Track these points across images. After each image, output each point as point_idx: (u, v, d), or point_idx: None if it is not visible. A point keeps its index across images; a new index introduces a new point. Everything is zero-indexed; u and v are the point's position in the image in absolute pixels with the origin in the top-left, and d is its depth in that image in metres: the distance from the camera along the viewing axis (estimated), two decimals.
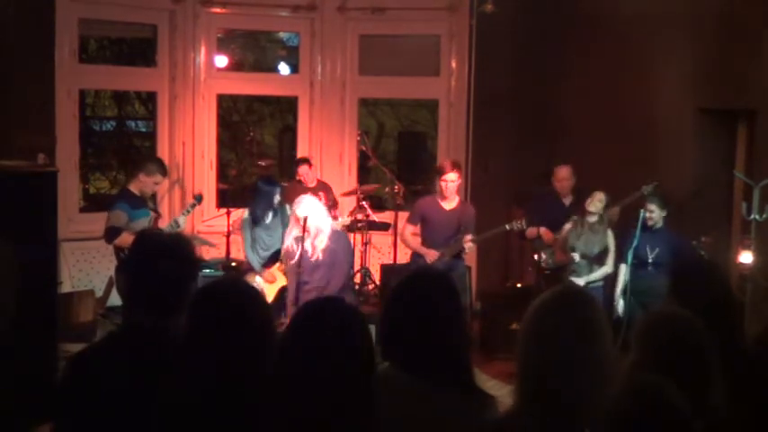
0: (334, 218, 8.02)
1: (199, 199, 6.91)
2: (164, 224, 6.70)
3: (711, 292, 2.79)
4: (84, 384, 2.33)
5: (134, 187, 6.25)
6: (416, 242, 6.75)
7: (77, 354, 2.47)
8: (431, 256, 6.48)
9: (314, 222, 5.63)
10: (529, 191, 7.83)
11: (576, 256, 6.11)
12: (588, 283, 6.08)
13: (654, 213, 5.91)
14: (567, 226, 6.33)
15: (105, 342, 2.59)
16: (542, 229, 6.86)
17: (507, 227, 6.62)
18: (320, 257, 5.72)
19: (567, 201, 7.02)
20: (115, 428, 2.26)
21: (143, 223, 6.07)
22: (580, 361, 1.96)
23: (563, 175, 6.96)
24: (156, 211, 6.55)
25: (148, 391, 2.15)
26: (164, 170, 6.36)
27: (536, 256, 6.79)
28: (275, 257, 6.43)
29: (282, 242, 6.04)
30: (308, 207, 5.65)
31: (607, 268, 6.15)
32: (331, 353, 1.94)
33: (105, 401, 2.27)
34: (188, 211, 6.79)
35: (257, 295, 2.29)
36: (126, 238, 5.85)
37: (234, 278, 3.12)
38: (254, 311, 2.20)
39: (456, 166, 6.55)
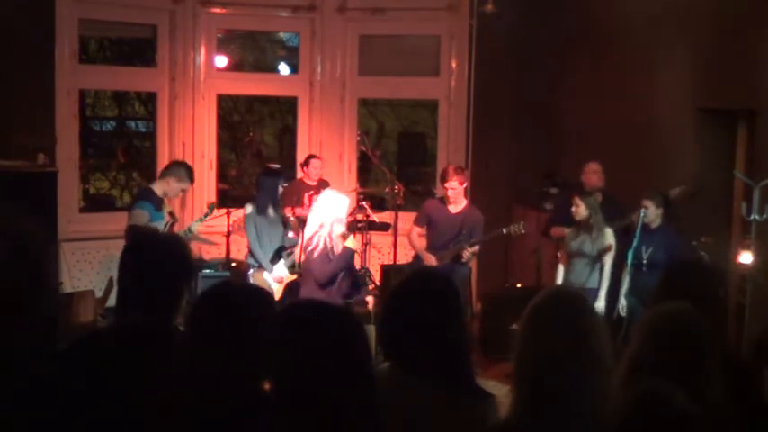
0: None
1: (212, 208, 6.81)
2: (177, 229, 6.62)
3: (697, 292, 2.78)
4: (71, 379, 2.30)
5: (158, 188, 6.14)
6: (420, 245, 6.71)
7: (67, 348, 2.39)
8: (430, 261, 6.48)
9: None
10: (542, 191, 7.80)
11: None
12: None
13: (649, 209, 5.92)
14: (567, 230, 6.35)
15: (94, 339, 2.54)
16: (564, 230, 6.76)
17: (504, 231, 6.60)
18: None
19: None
20: (100, 427, 2.23)
21: (159, 226, 5.94)
22: (576, 360, 1.96)
23: (592, 168, 6.78)
24: (172, 215, 6.43)
25: (138, 390, 2.13)
26: (192, 178, 6.33)
27: (559, 254, 6.69)
28: (279, 253, 6.41)
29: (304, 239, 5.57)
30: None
31: (606, 270, 6.10)
32: (329, 353, 1.93)
33: (90, 398, 2.24)
34: (201, 220, 6.69)
35: (266, 298, 2.26)
36: None
37: (242, 282, 3.08)
38: (260, 315, 2.17)
39: (458, 171, 6.47)
